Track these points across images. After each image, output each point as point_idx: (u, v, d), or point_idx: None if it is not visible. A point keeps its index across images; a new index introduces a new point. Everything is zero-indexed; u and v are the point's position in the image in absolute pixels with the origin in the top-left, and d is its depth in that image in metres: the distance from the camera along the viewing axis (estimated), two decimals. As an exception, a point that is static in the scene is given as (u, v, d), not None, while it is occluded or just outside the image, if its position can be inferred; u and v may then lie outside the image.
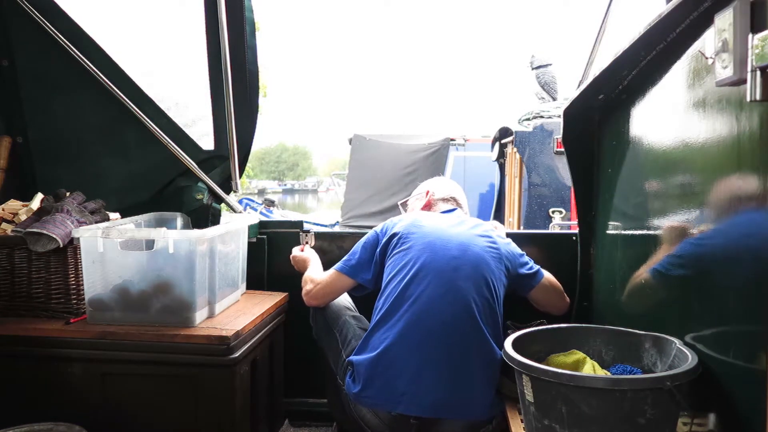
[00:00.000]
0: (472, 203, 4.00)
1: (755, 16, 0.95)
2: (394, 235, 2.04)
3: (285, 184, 55.43)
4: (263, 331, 2.15)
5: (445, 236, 1.99)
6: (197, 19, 2.34)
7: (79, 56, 2.36)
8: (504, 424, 1.82)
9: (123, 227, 2.09)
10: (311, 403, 2.54)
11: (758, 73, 0.89)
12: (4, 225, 2.11)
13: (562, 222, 4.31)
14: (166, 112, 2.45)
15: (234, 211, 2.66)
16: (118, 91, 2.38)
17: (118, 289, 1.96)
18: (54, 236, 1.93)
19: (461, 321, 1.86)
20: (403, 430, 1.85)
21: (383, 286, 1.99)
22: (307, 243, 2.45)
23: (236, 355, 1.89)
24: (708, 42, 1.11)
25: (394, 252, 2.01)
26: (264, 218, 2.81)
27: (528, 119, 4.99)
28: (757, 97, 0.90)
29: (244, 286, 2.41)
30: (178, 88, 2.59)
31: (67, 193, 2.20)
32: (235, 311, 2.16)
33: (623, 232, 1.88)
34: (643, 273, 1.62)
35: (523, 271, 2.08)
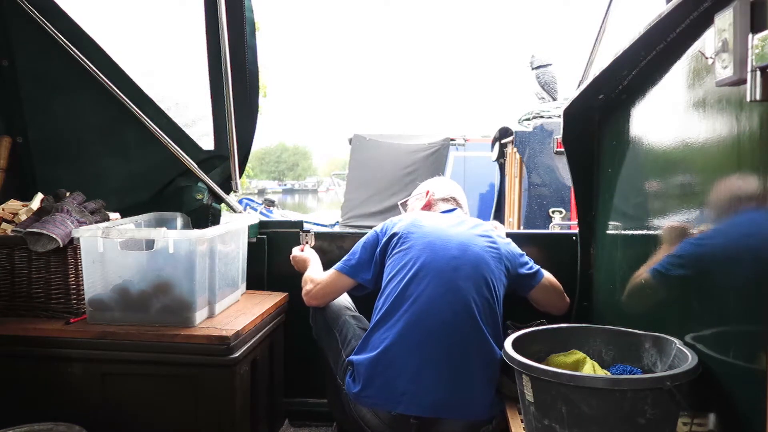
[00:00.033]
0: (472, 203, 4.00)
1: (755, 16, 0.95)
2: (394, 234, 2.04)
3: (285, 184, 55.40)
4: (263, 331, 2.15)
5: (445, 236, 1.99)
6: (197, 19, 2.34)
7: (79, 56, 2.36)
8: (504, 424, 1.82)
9: (123, 227, 2.09)
10: (311, 403, 2.54)
11: (758, 73, 0.89)
12: (4, 225, 2.11)
13: (562, 222, 4.31)
14: (166, 112, 2.46)
15: (234, 211, 2.67)
16: (118, 91, 2.38)
17: (118, 289, 1.96)
18: (54, 236, 1.93)
19: (461, 321, 1.86)
20: (403, 429, 1.85)
21: (383, 285, 2.00)
22: (307, 243, 2.45)
23: (236, 355, 1.89)
24: (708, 42, 1.11)
25: (394, 252, 2.01)
26: (264, 218, 2.81)
27: (528, 119, 4.98)
28: (757, 97, 0.90)
29: (244, 286, 2.41)
30: (178, 88, 2.59)
31: (67, 193, 2.20)
32: (235, 311, 2.16)
33: (623, 232, 1.88)
34: (643, 273, 1.62)
35: (523, 271, 2.08)
